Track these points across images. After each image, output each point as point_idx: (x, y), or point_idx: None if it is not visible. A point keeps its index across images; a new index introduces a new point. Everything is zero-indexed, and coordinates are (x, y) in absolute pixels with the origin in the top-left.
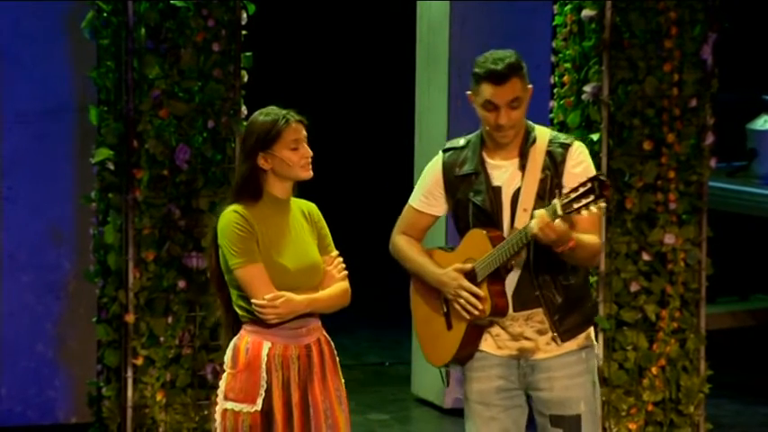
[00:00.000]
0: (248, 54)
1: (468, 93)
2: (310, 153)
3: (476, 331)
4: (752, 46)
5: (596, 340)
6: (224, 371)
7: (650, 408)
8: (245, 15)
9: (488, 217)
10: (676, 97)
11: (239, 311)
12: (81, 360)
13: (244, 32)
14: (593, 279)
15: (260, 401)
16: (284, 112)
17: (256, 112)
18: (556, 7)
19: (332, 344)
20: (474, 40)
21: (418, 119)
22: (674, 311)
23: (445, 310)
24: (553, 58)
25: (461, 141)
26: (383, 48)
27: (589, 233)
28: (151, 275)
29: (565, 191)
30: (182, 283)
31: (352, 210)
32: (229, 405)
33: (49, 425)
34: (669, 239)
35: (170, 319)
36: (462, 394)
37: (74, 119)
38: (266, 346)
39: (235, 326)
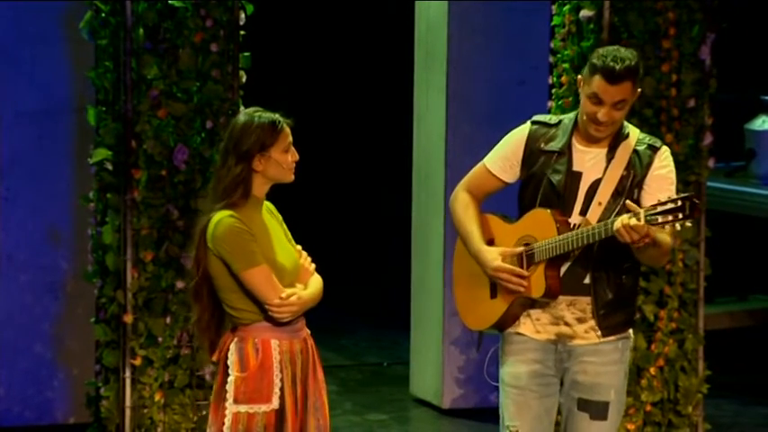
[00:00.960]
0: (246, 54)
1: (579, 77)
2: (297, 157)
3: (520, 307)
4: (750, 46)
5: None
6: (227, 374)
7: (648, 408)
8: (243, 16)
9: (560, 199)
10: (675, 97)
11: (238, 315)
12: (79, 360)
13: (242, 33)
14: None
15: (276, 400)
16: (276, 114)
17: (245, 115)
18: (554, 7)
19: (313, 338)
20: (472, 40)
21: (416, 119)
22: (672, 312)
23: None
24: (551, 59)
25: (553, 119)
26: (381, 48)
27: (662, 232)
28: (149, 276)
29: (652, 202)
30: (180, 284)
31: (350, 210)
32: (243, 408)
33: (48, 425)
34: None
35: (168, 320)
36: (462, 394)
37: (72, 119)
38: (275, 343)
39: (215, 328)
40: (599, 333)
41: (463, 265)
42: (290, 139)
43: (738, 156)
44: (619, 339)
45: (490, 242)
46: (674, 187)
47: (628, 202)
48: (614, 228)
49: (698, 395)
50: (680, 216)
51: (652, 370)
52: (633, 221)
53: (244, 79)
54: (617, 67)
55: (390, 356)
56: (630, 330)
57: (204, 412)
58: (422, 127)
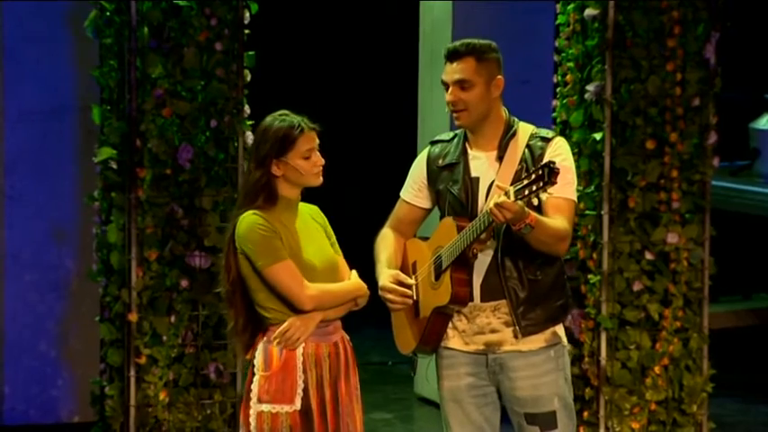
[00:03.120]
0: (251, 53)
1: None
2: (322, 161)
3: (440, 319)
4: (755, 45)
5: (599, 339)
6: (254, 374)
7: (653, 407)
8: (247, 14)
9: (463, 207)
10: (679, 96)
11: (268, 314)
12: (84, 359)
13: (246, 31)
14: (594, 278)
15: (298, 401)
16: (298, 119)
17: (270, 118)
18: (559, 6)
19: (350, 343)
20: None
21: (421, 118)
22: (676, 311)
23: (415, 298)
24: (556, 58)
25: (450, 135)
26: (386, 47)
27: (555, 218)
28: (154, 274)
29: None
30: (184, 282)
31: (354, 208)
32: (266, 407)
33: (52, 424)
34: (672, 239)
35: (173, 318)
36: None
37: (77, 118)
38: (302, 343)
39: (252, 330)
40: (519, 335)
41: None
42: (312, 144)
43: (743, 155)
44: (550, 347)
45: (413, 265)
46: (570, 176)
47: (497, 182)
48: (487, 211)
49: (702, 394)
50: (541, 184)
51: (656, 369)
52: (502, 199)
53: (248, 78)
54: (456, 44)
55: (395, 356)
56: (561, 333)
57: (209, 411)
58: (426, 125)
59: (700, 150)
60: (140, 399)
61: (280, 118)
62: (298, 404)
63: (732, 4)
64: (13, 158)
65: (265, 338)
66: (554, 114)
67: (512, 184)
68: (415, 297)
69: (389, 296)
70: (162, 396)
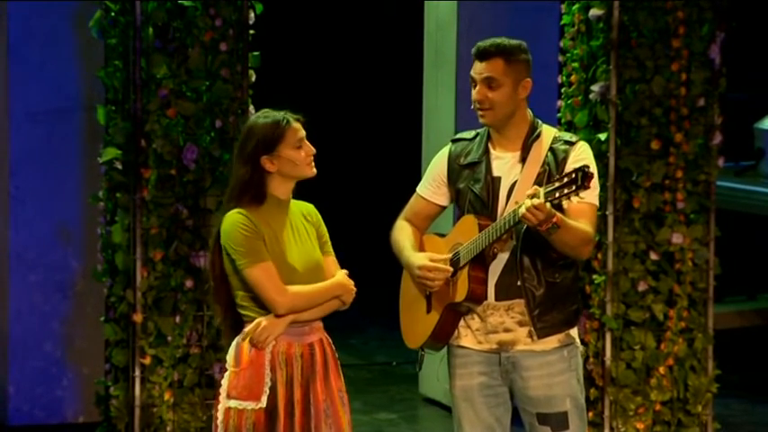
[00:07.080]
0: (256, 53)
1: None
2: (313, 150)
3: (452, 316)
4: (760, 45)
5: (604, 339)
6: (226, 369)
7: (658, 407)
8: (252, 15)
9: (484, 206)
10: (684, 97)
11: (244, 312)
12: (89, 359)
13: (251, 32)
14: (599, 279)
15: (264, 399)
16: (282, 113)
17: (253, 116)
18: (563, 6)
19: (333, 345)
20: (481, 39)
21: (426, 118)
22: (681, 311)
23: (427, 292)
24: (561, 58)
25: (471, 133)
26: (391, 47)
27: (579, 222)
28: (159, 275)
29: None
30: (189, 283)
31: (359, 209)
32: (233, 403)
33: (57, 424)
34: (677, 239)
35: (178, 319)
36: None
37: (82, 118)
38: (270, 343)
39: (235, 328)
40: (535, 336)
41: (406, 288)
42: (301, 134)
43: (748, 155)
44: (563, 347)
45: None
46: (594, 180)
47: (528, 189)
48: (520, 213)
49: (707, 394)
50: (574, 188)
51: (661, 369)
52: (535, 201)
53: (253, 78)
54: (486, 44)
55: (399, 356)
56: (574, 334)
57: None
58: (431, 125)
59: (704, 151)
60: (145, 399)
61: (263, 115)
62: (264, 402)
63: (737, 4)
64: (18, 159)
65: (240, 335)
66: (559, 115)
67: (540, 186)
68: (427, 292)
69: (430, 274)
70: (167, 396)
